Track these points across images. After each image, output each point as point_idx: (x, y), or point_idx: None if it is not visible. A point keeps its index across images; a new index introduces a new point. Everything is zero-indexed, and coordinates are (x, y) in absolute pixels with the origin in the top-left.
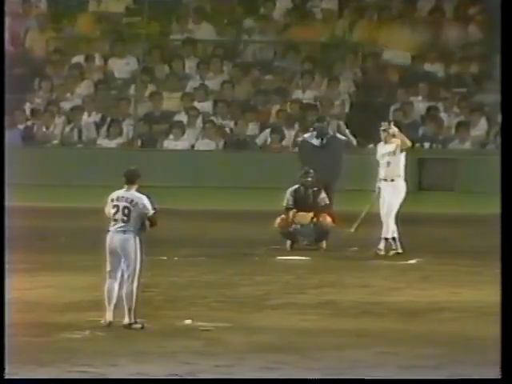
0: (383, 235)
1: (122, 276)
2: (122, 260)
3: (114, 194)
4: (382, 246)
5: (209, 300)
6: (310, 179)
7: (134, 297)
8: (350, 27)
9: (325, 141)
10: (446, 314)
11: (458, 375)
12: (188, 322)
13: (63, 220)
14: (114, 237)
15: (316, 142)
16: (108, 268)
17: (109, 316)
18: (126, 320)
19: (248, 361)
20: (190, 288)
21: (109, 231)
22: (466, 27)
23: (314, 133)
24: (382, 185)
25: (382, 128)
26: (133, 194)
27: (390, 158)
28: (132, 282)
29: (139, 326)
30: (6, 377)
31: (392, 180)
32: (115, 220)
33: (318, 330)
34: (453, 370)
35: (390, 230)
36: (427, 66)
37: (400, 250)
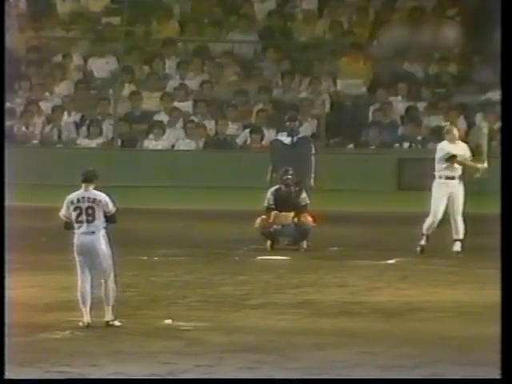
0: (454, 237)
1: (96, 276)
2: (95, 260)
3: (73, 197)
4: (458, 247)
5: (189, 300)
6: (290, 177)
7: (115, 293)
8: (329, 27)
9: (295, 139)
10: (425, 314)
11: (437, 375)
12: (168, 321)
13: (42, 220)
14: (83, 239)
15: (287, 140)
16: (79, 270)
17: (86, 318)
18: (108, 317)
19: (228, 360)
20: (170, 288)
21: (74, 233)
22: (445, 27)
23: (285, 132)
24: (445, 183)
25: (446, 129)
26: (94, 193)
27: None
28: (108, 278)
29: (119, 323)
30: (6, 377)
31: (453, 178)
32: (79, 222)
33: (297, 330)
34: (432, 369)
35: (460, 230)
36: (406, 66)
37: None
